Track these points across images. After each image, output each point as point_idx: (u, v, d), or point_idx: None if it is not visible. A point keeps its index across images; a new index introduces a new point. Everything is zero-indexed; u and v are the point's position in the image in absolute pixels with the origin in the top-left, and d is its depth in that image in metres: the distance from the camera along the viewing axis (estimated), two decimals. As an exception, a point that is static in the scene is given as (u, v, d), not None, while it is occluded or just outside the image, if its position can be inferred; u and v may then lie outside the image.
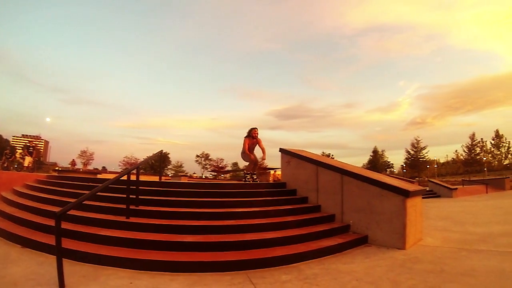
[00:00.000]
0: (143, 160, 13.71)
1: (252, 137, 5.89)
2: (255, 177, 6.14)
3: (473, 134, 41.02)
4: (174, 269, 2.58)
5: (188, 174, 40.44)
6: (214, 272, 2.59)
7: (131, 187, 3.62)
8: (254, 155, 6.06)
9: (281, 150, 5.76)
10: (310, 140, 74.92)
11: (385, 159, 55.21)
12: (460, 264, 2.90)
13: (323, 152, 48.10)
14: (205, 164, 48.57)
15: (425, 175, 40.77)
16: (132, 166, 4.89)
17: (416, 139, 43.34)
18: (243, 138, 5.93)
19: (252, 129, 5.90)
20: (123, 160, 37.92)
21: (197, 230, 3.31)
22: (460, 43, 79.94)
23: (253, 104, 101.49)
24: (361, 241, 3.78)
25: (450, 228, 5.05)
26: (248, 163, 6.12)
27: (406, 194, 3.62)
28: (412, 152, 43.72)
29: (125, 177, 3.53)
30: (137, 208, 3.71)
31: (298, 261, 2.95)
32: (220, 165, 45.26)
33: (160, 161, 13.41)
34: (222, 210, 3.88)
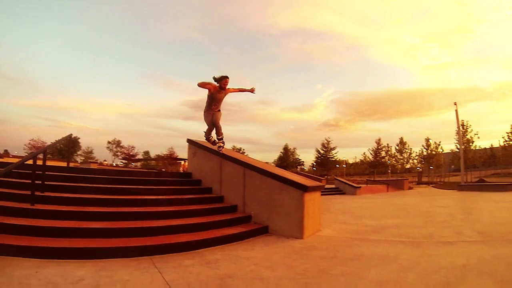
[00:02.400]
0: (50, 144, 16.69)
1: (220, 87, 6.28)
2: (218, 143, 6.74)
3: (379, 139, 59.37)
4: (82, 256, 3.35)
5: (99, 161, 48.49)
6: (121, 258, 3.41)
7: (37, 172, 4.38)
8: (216, 116, 6.59)
9: (188, 140, 7.55)
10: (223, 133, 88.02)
11: (296, 156, 72.06)
12: (351, 251, 4.17)
13: (234, 146, 61.33)
14: (116, 152, 58.40)
15: (334, 174, 53.69)
16: (39, 150, 5.88)
17: (326, 140, 60.55)
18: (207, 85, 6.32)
19: (223, 77, 6.20)
20: (29, 144, 45.96)
21: (104, 217, 4.34)
22: (378, 57, 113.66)
23: (170, 92, 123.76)
24: (262, 231, 5.22)
25: (348, 221, 7.03)
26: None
27: (304, 188, 5.10)
28: (322, 152, 60.84)
29: (30, 162, 4.34)
30: (43, 194, 4.60)
31: (201, 248, 4.04)
32: (131, 153, 56.59)
33: (69, 145, 16.75)
34: (129, 197, 5.17)
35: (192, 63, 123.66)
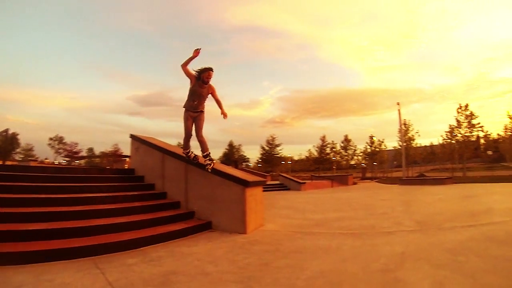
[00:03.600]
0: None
1: (203, 81, 5.76)
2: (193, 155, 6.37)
3: (324, 136, 66.41)
4: (20, 261, 3.40)
5: (39, 159, 52.27)
6: (62, 260, 3.56)
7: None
8: (198, 122, 6.02)
9: (131, 136, 8.03)
10: (168, 129, 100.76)
11: (242, 153, 78.63)
12: (294, 244, 4.60)
13: (179, 143, 65.53)
14: (59, 149, 60.23)
15: (279, 170, 56.05)
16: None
17: (271, 137, 67.34)
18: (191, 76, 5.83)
19: (206, 69, 5.71)
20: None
21: (43, 217, 4.46)
22: (327, 57, 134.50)
23: (117, 86, 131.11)
24: (205, 227, 5.69)
25: (292, 216, 7.72)
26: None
27: (245, 184, 5.61)
28: (267, 148, 67.22)
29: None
30: (-28, 195, 4.75)
31: (144, 245, 4.33)
32: (74, 150, 59.66)
33: (6, 142, 19.23)
34: (70, 196, 5.37)
35: (140, 56, 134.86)
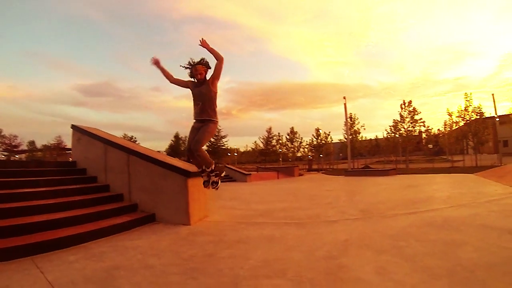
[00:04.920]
0: None
1: (197, 80, 5.00)
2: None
3: (270, 128, 69.19)
4: None
5: None
6: None
7: None
8: (200, 132, 4.95)
9: (72, 126, 7.92)
10: (114, 121, 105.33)
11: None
12: (238, 234, 4.74)
13: (125, 135, 67.67)
14: None
15: (225, 162, 56.58)
16: None
17: (217, 128, 62.90)
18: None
19: (192, 66, 4.97)
20: None
21: None
22: (276, 50, 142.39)
23: (60, 74, 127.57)
24: (149, 219, 5.78)
25: (236, 207, 7.96)
26: None
27: (187, 174, 5.70)
28: (212, 140, 66.19)
29: None
30: None
31: (87, 241, 4.32)
32: (14, 144, 57.83)
33: None
34: (4, 192, 5.15)
35: (86, 43, 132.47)
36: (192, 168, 6.03)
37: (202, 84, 4.93)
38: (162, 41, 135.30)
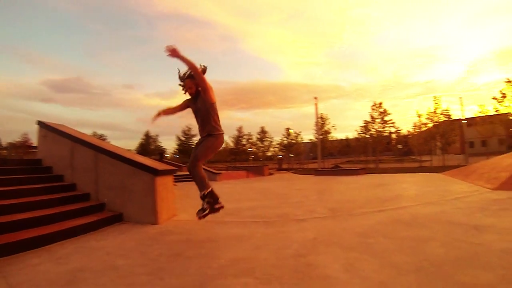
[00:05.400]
0: None
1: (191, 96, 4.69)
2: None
3: (241, 127, 70.68)
4: None
5: None
6: None
7: None
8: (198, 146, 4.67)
9: (38, 122, 7.75)
10: (84, 118, 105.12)
11: (159, 143, 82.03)
12: (206, 233, 4.91)
13: (95, 133, 68.02)
14: None
15: None
16: None
17: (187, 127, 70.27)
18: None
19: (182, 75, 4.62)
20: None
21: None
22: (250, 49, 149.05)
23: (28, 68, 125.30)
24: (117, 219, 5.77)
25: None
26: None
27: (155, 172, 5.78)
28: (183, 139, 71.00)
29: None
30: None
31: (52, 242, 4.25)
32: None
33: None
34: None
35: (57, 37, 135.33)
36: (160, 166, 6.13)
37: (197, 98, 4.56)
38: (137, 36, 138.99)
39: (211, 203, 4.45)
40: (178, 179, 19.03)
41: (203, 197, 4.47)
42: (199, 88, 4.50)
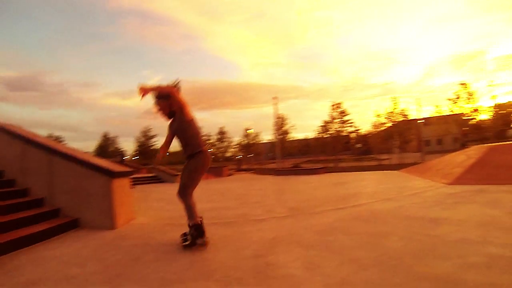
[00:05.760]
0: None
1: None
2: None
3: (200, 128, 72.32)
4: None
5: None
6: None
7: None
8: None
9: None
10: (40, 118, 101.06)
11: (118, 145, 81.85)
12: (164, 236, 4.80)
13: (50, 134, 68.16)
14: None
15: (155, 163, 56.36)
16: None
17: (146, 128, 71.37)
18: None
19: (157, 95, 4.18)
20: None
21: None
22: (211, 49, 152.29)
23: None
24: (72, 225, 5.59)
25: (163, 208, 8.25)
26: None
27: (111, 174, 5.65)
28: (142, 140, 71.63)
29: None
30: None
31: (2, 254, 4.00)
32: None
33: None
34: None
35: (10, 30, 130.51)
36: (117, 168, 6.01)
37: (174, 119, 4.26)
38: (95, 32, 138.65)
39: (194, 236, 4.07)
40: (137, 182, 19.06)
41: (189, 227, 4.13)
42: (173, 108, 4.20)
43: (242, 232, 4.66)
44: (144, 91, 3.87)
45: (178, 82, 4.19)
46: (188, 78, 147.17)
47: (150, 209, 7.78)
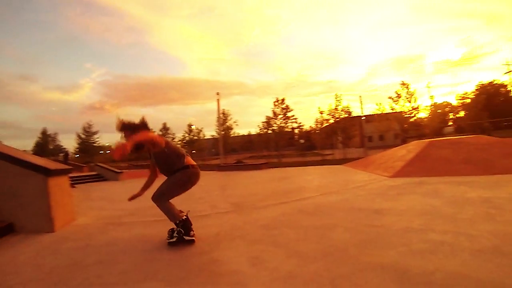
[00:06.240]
0: None
1: None
2: None
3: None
4: None
5: None
6: None
7: None
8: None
9: None
10: None
11: (58, 143, 79.72)
12: (106, 237, 4.70)
13: None
14: None
15: (98, 160, 53.47)
16: None
17: (88, 124, 67.74)
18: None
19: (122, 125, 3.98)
20: None
21: None
22: (156, 43, 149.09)
23: None
24: (6, 230, 5.19)
25: (105, 207, 8.01)
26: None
27: (47, 172, 5.38)
28: (83, 137, 67.73)
29: None
30: None
31: None
32: None
33: None
34: None
35: None
36: (53, 165, 5.71)
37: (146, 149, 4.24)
38: (34, 20, 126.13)
39: (181, 233, 4.03)
40: (79, 181, 18.36)
41: (176, 225, 4.09)
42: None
43: (186, 228, 4.57)
44: (122, 150, 3.46)
45: (143, 119, 4.20)
46: (133, 73, 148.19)
47: (92, 209, 7.55)
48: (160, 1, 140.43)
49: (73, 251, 3.99)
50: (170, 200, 4.20)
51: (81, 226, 5.53)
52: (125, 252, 3.76)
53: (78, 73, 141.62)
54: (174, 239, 4.00)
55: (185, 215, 4.09)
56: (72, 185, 13.51)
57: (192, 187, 4.38)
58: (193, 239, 3.93)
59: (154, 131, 4.15)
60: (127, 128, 3.98)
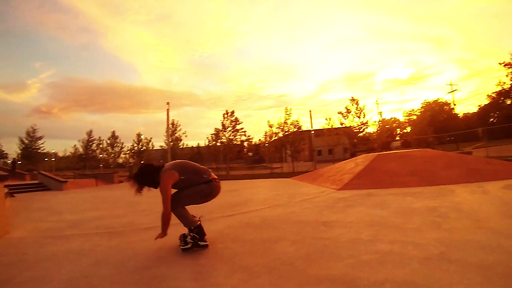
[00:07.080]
0: None
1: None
2: None
3: (91, 131, 66.64)
4: None
5: None
6: None
7: None
8: None
9: None
10: None
11: None
12: (42, 251, 4.37)
13: None
14: None
15: (43, 168, 50.52)
16: None
17: (32, 128, 62.91)
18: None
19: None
20: None
21: None
22: (110, 47, 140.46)
23: None
24: None
25: (45, 219, 7.60)
26: None
27: None
28: (27, 142, 62.61)
29: None
30: None
31: None
32: None
33: None
34: None
35: None
36: None
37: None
38: None
39: (196, 239, 3.99)
40: (18, 190, 17.20)
41: (190, 230, 4.04)
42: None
43: (127, 242, 4.41)
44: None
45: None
46: (83, 76, 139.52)
47: (29, 221, 7.16)
48: (117, 3, 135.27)
49: (5, 267, 3.68)
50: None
51: (16, 240, 5.19)
52: (61, 267, 3.49)
53: (26, 72, 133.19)
54: (189, 245, 3.93)
55: (199, 221, 4.04)
56: (11, 194, 12.57)
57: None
58: (207, 244, 3.90)
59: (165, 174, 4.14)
60: (131, 178, 4.35)
